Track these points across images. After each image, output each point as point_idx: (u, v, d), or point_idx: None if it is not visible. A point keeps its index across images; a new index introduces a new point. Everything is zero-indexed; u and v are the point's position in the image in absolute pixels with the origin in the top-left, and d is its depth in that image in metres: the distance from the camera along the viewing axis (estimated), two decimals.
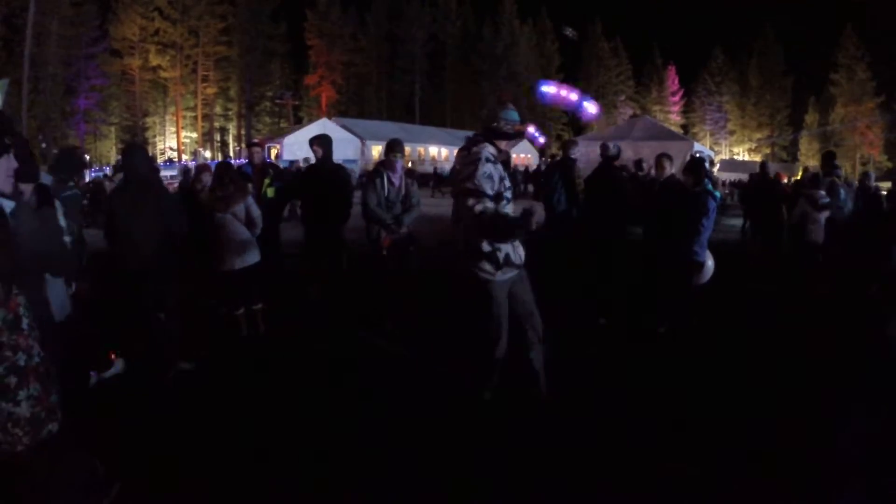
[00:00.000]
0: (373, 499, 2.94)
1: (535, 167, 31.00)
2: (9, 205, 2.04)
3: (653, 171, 7.17)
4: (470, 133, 3.94)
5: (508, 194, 3.60)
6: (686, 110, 67.07)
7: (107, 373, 4.38)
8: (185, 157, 47.72)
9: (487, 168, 3.46)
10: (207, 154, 48.54)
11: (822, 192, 7.43)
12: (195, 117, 51.36)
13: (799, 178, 15.87)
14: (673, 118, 64.37)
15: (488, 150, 3.58)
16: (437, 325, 5.54)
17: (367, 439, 3.48)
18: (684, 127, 64.70)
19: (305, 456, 3.31)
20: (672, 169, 5.94)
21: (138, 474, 3.03)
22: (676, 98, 66.40)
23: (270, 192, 6.39)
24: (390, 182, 5.36)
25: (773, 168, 10.85)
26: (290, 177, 8.01)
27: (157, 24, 47.35)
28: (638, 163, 12.54)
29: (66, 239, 3.15)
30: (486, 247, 3.56)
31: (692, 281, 5.37)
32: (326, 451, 3.34)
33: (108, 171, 22.09)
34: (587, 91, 64.65)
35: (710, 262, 5.37)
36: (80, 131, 43.08)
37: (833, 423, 3.58)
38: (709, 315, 5.83)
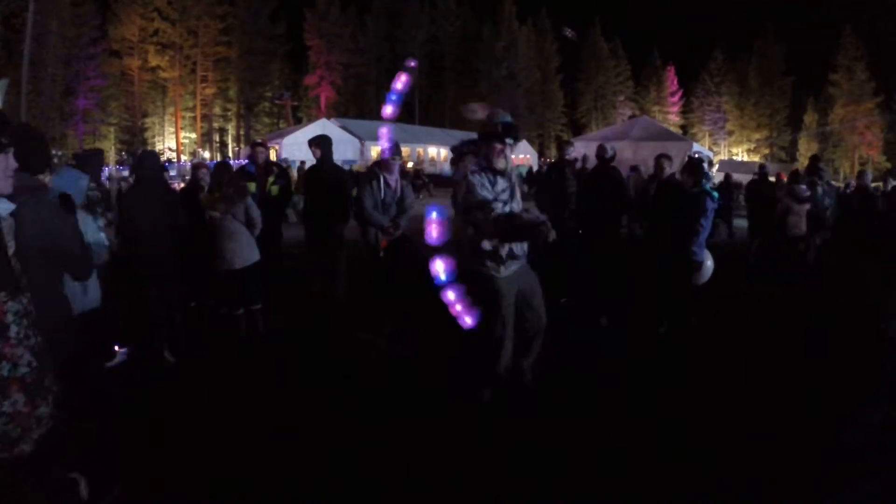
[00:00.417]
0: (373, 499, 2.94)
1: (536, 168, 31.06)
2: (7, 207, 2.01)
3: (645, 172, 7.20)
4: (469, 134, 3.91)
5: (504, 196, 3.65)
6: (685, 111, 67.05)
7: (110, 362, 4.50)
8: (184, 157, 47.67)
9: (475, 179, 3.55)
10: (206, 154, 48.50)
11: (804, 187, 7.92)
12: (194, 118, 51.29)
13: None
14: (672, 119, 64.36)
15: (468, 165, 3.62)
16: (437, 326, 5.54)
17: (367, 439, 3.48)
18: (683, 127, 64.70)
19: (305, 456, 3.32)
20: (671, 169, 5.96)
21: (138, 474, 3.04)
22: (675, 98, 66.37)
23: (275, 190, 6.40)
24: (386, 184, 5.36)
25: (772, 168, 10.94)
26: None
27: (157, 25, 47.32)
28: (635, 168, 12.58)
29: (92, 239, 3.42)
30: (486, 245, 3.61)
31: (691, 281, 5.38)
32: (326, 452, 3.35)
33: (118, 170, 21.99)
34: (586, 91, 65.06)
35: (709, 262, 5.38)
36: (79, 132, 43.02)
37: (833, 423, 3.59)
38: (708, 315, 5.84)
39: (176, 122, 50.00)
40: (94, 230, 3.70)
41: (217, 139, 54.01)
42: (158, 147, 48.68)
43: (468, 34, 59.45)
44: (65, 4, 39.98)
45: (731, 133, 64.96)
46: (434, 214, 3.54)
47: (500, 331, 3.68)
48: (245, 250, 5.20)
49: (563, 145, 7.12)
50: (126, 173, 16.32)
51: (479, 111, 3.74)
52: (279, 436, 3.53)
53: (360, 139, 37.56)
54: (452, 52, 59.17)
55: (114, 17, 45.46)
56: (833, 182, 10.09)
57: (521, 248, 3.74)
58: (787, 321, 6.09)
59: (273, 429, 3.63)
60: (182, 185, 13.18)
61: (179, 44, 48.38)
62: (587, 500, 2.95)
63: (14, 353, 1.77)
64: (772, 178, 12.25)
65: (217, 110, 52.99)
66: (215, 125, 53.44)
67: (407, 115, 55.78)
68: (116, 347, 4.63)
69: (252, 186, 6.11)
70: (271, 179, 6.42)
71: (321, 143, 6.02)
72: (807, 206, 7.87)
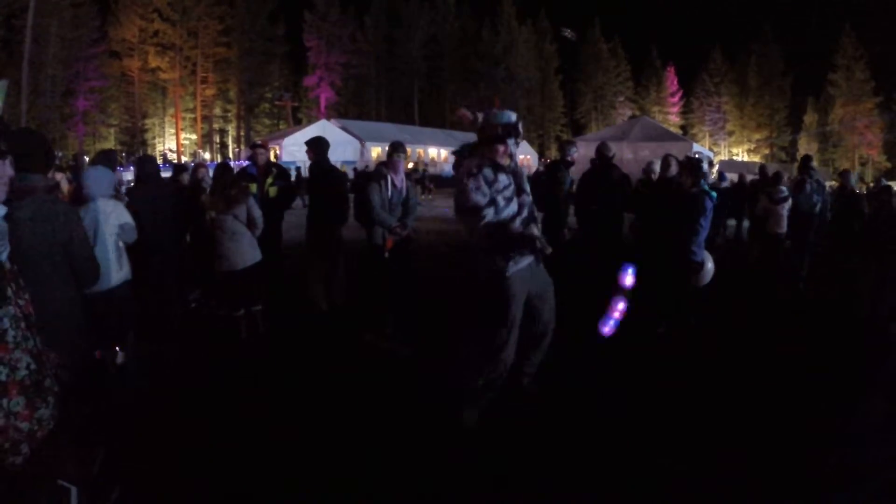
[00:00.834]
0: (373, 499, 2.95)
1: (535, 169, 31.07)
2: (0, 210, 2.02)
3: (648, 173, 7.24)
4: (468, 135, 3.83)
5: (507, 192, 3.52)
6: (685, 111, 67.07)
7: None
8: (184, 158, 47.69)
9: (472, 183, 3.43)
10: (207, 156, 48.52)
11: (783, 188, 8.14)
12: (194, 119, 51.34)
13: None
14: (672, 119, 64.40)
15: (469, 165, 3.54)
16: (438, 326, 5.55)
17: (367, 440, 3.49)
18: (683, 128, 64.72)
19: (305, 457, 3.32)
20: (676, 169, 6.01)
21: (138, 475, 3.04)
22: (675, 99, 66.41)
23: (273, 191, 6.40)
24: (393, 184, 5.36)
25: (772, 169, 10.99)
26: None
27: (157, 26, 47.36)
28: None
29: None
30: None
31: (691, 281, 5.38)
32: (326, 452, 3.36)
33: (119, 171, 22.02)
34: (586, 91, 65.04)
35: (709, 265, 5.37)
36: (79, 132, 43.07)
37: (833, 423, 3.60)
38: (708, 315, 5.84)
39: (176, 124, 50.04)
40: (125, 213, 4.04)
41: (217, 140, 54.03)
42: (159, 148, 48.75)
43: (467, 35, 59.49)
44: (65, 6, 40.05)
45: (731, 133, 65.00)
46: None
47: (504, 335, 3.56)
48: (247, 251, 5.21)
49: (564, 145, 7.13)
50: (127, 175, 16.40)
51: (471, 117, 3.64)
52: (280, 437, 3.54)
53: (361, 140, 37.62)
54: (452, 52, 59.19)
55: (114, 18, 45.52)
56: (827, 182, 10.16)
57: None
58: (786, 321, 6.10)
59: (274, 429, 3.63)
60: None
61: (179, 45, 48.43)
62: (587, 501, 2.96)
63: (11, 357, 1.77)
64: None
65: (217, 111, 53.04)
66: (215, 126, 53.48)
67: (406, 115, 55.86)
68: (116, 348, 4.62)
69: (253, 187, 6.12)
70: (269, 180, 6.43)
71: (315, 146, 6.05)
72: (785, 206, 8.05)
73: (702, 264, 5.33)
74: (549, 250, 3.31)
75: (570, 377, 4.33)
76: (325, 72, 54.08)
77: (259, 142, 8.09)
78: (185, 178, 6.96)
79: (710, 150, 55.44)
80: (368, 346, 5.20)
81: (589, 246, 6.60)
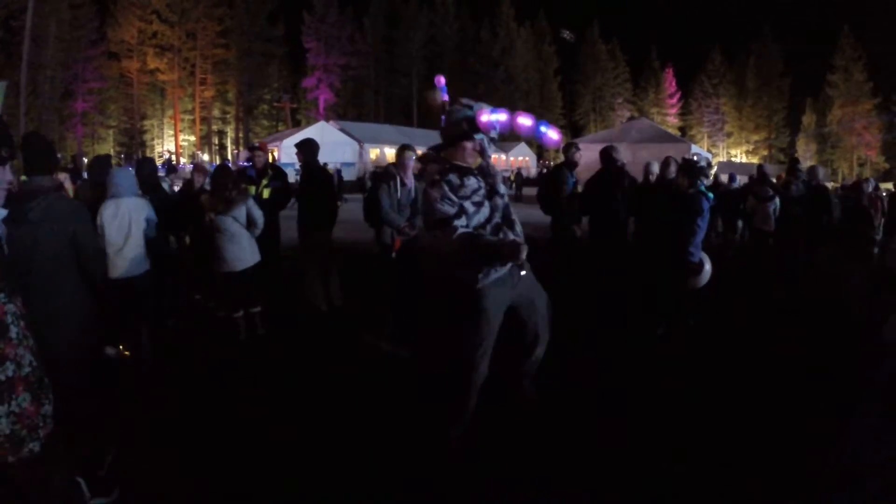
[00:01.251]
0: (373, 499, 2.95)
1: (537, 171, 31.07)
2: (0, 213, 2.04)
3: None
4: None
5: (477, 197, 3.18)
6: (683, 112, 67.20)
7: (110, 351, 4.70)
8: (183, 159, 47.71)
9: (435, 193, 3.10)
10: (206, 157, 48.53)
11: (767, 188, 8.62)
12: (193, 120, 51.38)
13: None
14: (670, 120, 64.53)
15: (432, 172, 3.31)
16: (440, 328, 5.55)
17: (367, 440, 3.49)
18: (682, 129, 64.84)
19: (304, 458, 3.32)
20: (674, 171, 6.03)
21: (138, 476, 3.05)
22: (674, 100, 66.55)
23: (266, 192, 6.41)
24: (402, 184, 5.36)
25: (772, 170, 11.11)
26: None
27: (155, 27, 47.41)
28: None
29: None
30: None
31: (689, 282, 5.39)
32: (326, 453, 3.36)
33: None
34: (584, 93, 65.10)
35: (707, 266, 5.38)
36: (77, 134, 43.09)
37: (832, 423, 3.60)
38: (707, 316, 5.86)
39: (175, 125, 50.07)
40: (150, 210, 4.60)
41: (216, 142, 54.05)
42: (157, 150, 48.78)
43: (466, 36, 59.59)
44: (64, 7, 40.08)
45: (729, 135, 65.11)
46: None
47: (472, 356, 3.21)
48: (246, 252, 5.22)
49: (568, 147, 7.15)
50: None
51: (439, 102, 3.40)
52: (279, 437, 3.54)
53: (359, 141, 37.62)
54: (450, 54, 59.26)
55: (112, 19, 45.59)
56: (829, 184, 10.33)
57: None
58: (785, 322, 6.11)
59: (273, 430, 3.63)
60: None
61: (178, 46, 48.48)
62: (587, 501, 2.96)
63: (17, 353, 1.79)
64: (773, 180, 12.37)
65: (216, 113, 53.08)
66: (214, 128, 53.53)
67: (405, 117, 55.90)
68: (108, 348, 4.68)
69: (252, 189, 6.13)
70: (265, 182, 6.44)
71: (304, 148, 6.07)
72: (771, 205, 8.49)
73: (700, 265, 5.34)
74: (521, 261, 2.97)
75: (569, 377, 4.33)
76: (324, 73, 54.15)
77: (257, 144, 8.09)
78: (173, 179, 7.05)
79: (709, 151, 55.55)
80: (368, 346, 5.20)
81: (594, 249, 6.63)
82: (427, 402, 3.77)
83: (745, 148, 64.05)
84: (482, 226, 3.19)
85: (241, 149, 49.68)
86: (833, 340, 5.25)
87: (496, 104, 3.39)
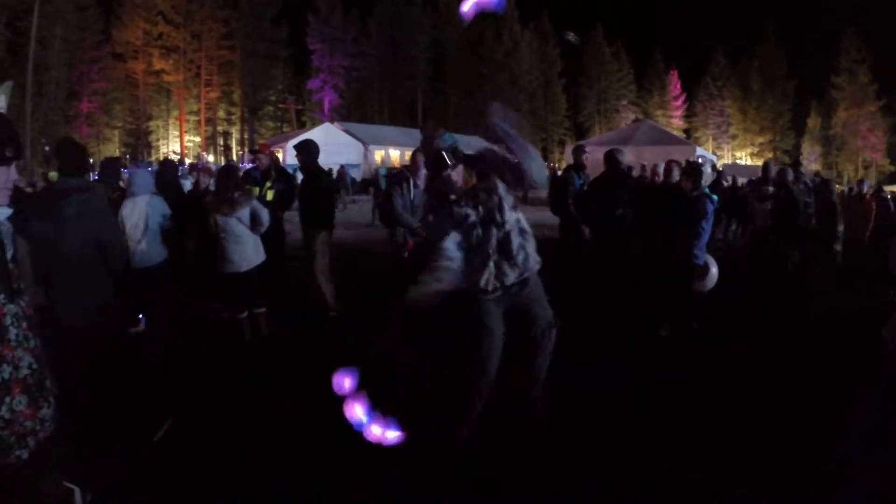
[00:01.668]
0: (374, 499, 2.97)
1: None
2: (4, 213, 2.06)
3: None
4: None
5: (467, 225, 3.15)
6: (688, 114, 66.99)
7: (132, 329, 5.18)
8: (188, 160, 47.83)
9: (432, 219, 3.11)
10: (210, 158, 48.63)
11: (767, 188, 8.80)
12: (198, 121, 51.51)
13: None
14: (675, 122, 64.31)
15: (430, 196, 3.31)
16: (442, 329, 5.55)
17: (370, 443, 3.50)
18: (686, 131, 64.59)
19: (308, 459, 3.34)
20: (678, 174, 6.04)
21: (138, 477, 3.07)
22: (678, 102, 66.36)
23: (270, 194, 6.43)
24: (415, 185, 5.39)
25: (774, 171, 11.22)
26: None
27: (161, 29, 47.58)
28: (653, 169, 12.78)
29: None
30: None
31: (693, 284, 5.40)
32: (328, 453, 3.37)
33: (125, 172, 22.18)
34: (589, 95, 65.01)
35: (714, 270, 5.38)
36: (83, 135, 43.21)
37: (832, 423, 3.60)
38: (710, 318, 5.85)
39: (180, 126, 50.20)
40: (166, 207, 5.03)
41: (221, 143, 54.17)
42: (163, 150, 48.91)
43: (470, 38, 59.53)
44: (69, 8, 40.27)
45: (734, 137, 64.90)
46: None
47: (482, 359, 3.27)
48: (251, 253, 5.25)
49: (577, 150, 7.18)
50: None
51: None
52: (283, 438, 3.56)
53: (364, 143, 37.60)
54: (455, 55, 59.25)
55: (118, 20, 45.77)
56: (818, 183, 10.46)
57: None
58: (787, 323, 6.10)
59: (276, 431, 3.65)
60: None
61: (183, 48, 48.63)
62: (587, 501, 2.97)
63: (14, 356, 1.77)
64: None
65: (221, 114, 53.19)
66: (219, 129, 53.62)
67: (409, 118, 55.92)
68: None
69: (256, 191, 6.15)
70: (268, 184, 6.46)
71: (303, 149, 6.09)
72: (769, 203, 8.59)
73: (704, 267, 5.34)
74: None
75: (571, 379, 4.33)
76: (329, 75, 54.22)
77: (259, 146, 8.12)
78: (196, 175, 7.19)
79: (714, 153, 55.32)
80: (372, 348, 5.20)
81: (598, 251, 6.64)
82: (432, 404, 3.78)
83: (750, 150, 63.82)
84: (470, 253, 3.18)
85: (245, 150, 49.85)
86: (837, 343, 5.25)
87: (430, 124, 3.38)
